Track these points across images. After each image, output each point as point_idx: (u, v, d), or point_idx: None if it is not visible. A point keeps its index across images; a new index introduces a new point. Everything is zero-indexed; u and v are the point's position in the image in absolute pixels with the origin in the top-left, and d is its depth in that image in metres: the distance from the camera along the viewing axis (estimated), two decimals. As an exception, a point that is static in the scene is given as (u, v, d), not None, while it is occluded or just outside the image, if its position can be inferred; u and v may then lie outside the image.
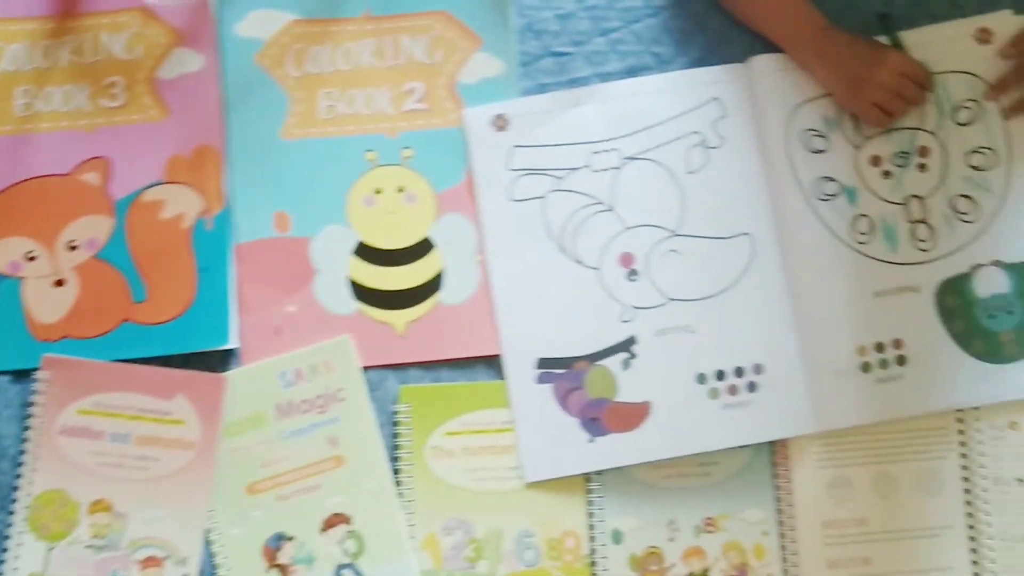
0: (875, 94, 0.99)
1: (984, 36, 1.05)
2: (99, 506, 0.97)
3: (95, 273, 1.01)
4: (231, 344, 0.99)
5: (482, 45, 1.06)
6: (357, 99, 1.05)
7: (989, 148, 1.03)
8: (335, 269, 1.02)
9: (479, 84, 1.05)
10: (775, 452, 1.01)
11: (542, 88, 1.06)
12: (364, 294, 1.02)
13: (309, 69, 1.05)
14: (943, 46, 1.05)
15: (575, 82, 1.06)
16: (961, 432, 1.01)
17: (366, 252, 1.02)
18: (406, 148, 1.04)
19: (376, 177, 1.04)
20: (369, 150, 1.04)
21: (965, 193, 1.03)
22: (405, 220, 1.04)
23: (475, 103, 1.05)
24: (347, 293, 1.02)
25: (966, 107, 1.04)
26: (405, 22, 1.06)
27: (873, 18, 1.05)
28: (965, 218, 1.02)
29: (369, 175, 1.04)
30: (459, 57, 1.05)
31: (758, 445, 1.01)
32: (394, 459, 1.00)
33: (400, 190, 1.03)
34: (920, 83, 1.00)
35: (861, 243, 1.02)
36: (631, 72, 1.06)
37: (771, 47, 1.04)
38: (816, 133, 1.04)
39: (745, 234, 1.03)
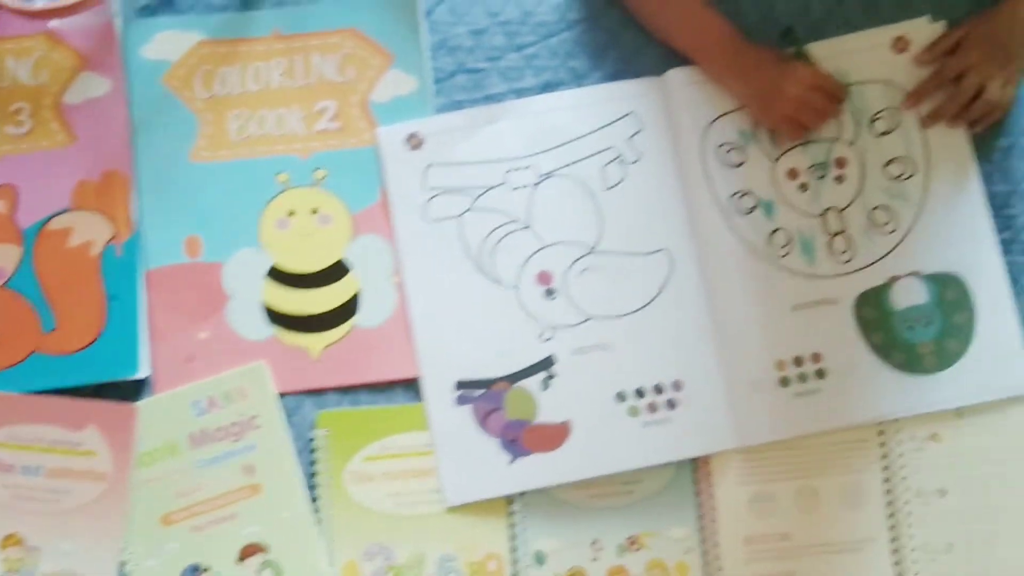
0: (785, 108, 0.98)
1: (901, 45, 1.04)
2: (11, 540, 0.96)
3: (3, 303, 0.99)
4: (142, 373, 0.98)
5: (394, 62, 1.04)
6: (268, 120, 1.03)
7: (907, 157, 1.03)
8: (248, 294, 1.00)
9: (392, 102, 1.04)
10: (697, 469, 1.01)
11: (457, 105, 1.04)
12: (278, 319, 1.00)
13: (218, 90, 1.03)
14: (859, 55, 1.04)
15: (490, 98, 1.04)
16: (882, 445, 1.01)
17: (280, 276, 1.01)
18: (319, 169, 1.03)
19: (289, 199, 1.02)
20: (281, 171, 1.02)
21: (883, 204, 1.02)
22: (319, 242, 1.02)
23: (389, 121, 1.03)
24: (261, 318, 1.00)
25: (883, 117, 1.03)
26: (315, 40, 1.04)
27: (785, 27, 1.04)
28: (883, 229, 1.02)
29: (282, 197, 1.02)
30: (371, 75, 1.04)
31: (680, 462, 1.00)
32: (312, 486, 0.98)
33: (314, 211, 1.02)
34: (831, 95, 1.00)
35: (779, 257, 1.01)
36: (547, 87, 1.04)
37: (687, 60, 1.02)
38: (732, 147, 1.03)
39: (663, 250, 1.02)
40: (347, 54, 1.04)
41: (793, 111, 0.99)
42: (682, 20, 1.01)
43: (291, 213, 1.02)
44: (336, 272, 1.02)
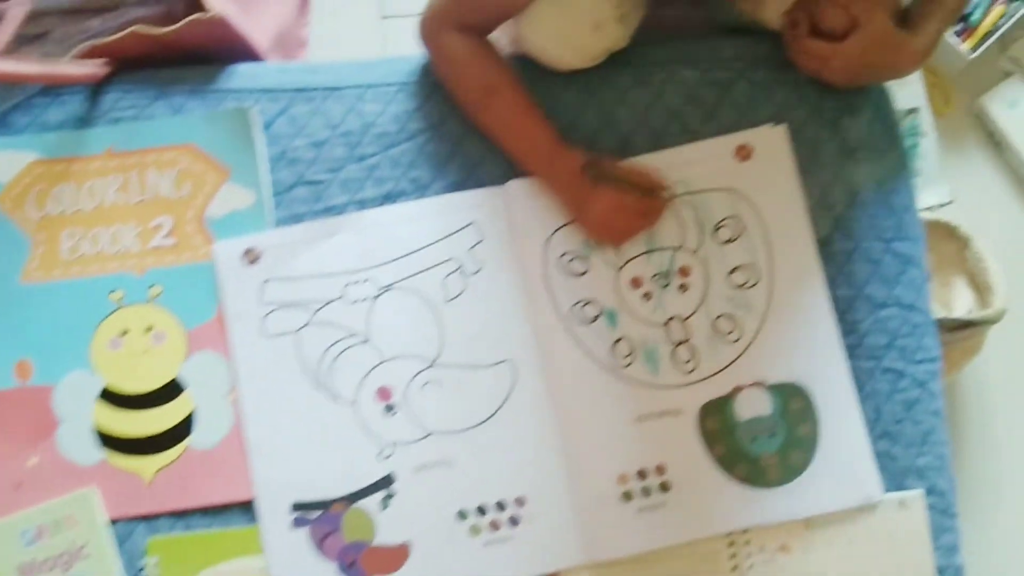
0: (593, 223, 0.98)
1: (743, 153, 1.03)
2: None
3: None
4: (-34, 503, 0.95)
5: (230, 176, 1.03)
6: (102, 237, 1.02)
7: (751, 265, 1.02)
8: (79, 417, 0.98)
9: (229, 216, 1.03)
10: (544, 586, 0.98)
11: (297, 217, 1.03)
12: (110, 442, 0.98)
13: (51, 209, 1.02)
14: (702, 164, 1.04)
15: (331, 210, 1.03)
16: (733, 556, 0.99)
17: (112, 397, 0.99)
18: (153, 285, 1.02)
19: (122, 317, 1.01)
20: (115, 290, 1.01)
21: (727, 312, 1.01)
22: (153, 361, 1.01)
23: (226, 236, 1.02)
24: (92, 442, 0.98)
25: (727, 224, 1.02)
26: (151, 156, 1.04)
27: (626, 135, 1.03)
28: (727, 338, 1.01)
29: (115, 316, 1.01)
30: (208, 190, 1.03)
31: (527, 580, 0.98)
32: (145, 614, 0.96)
33: (148, 330, 1.00)
34: (637, 213, 0.99)
35: (622, 367, 1.00)
36: (388, 198, 1.03)
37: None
38: (575, 256, 1.02)
39: (506, 361, 1.01)
40: (183, 169, 1.03)
41: (599, 228, 0.98)
42: (508, 126, 1.00)
43: (124, 332, 1.00)
44: (170, 392, 1.00)
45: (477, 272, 1.02)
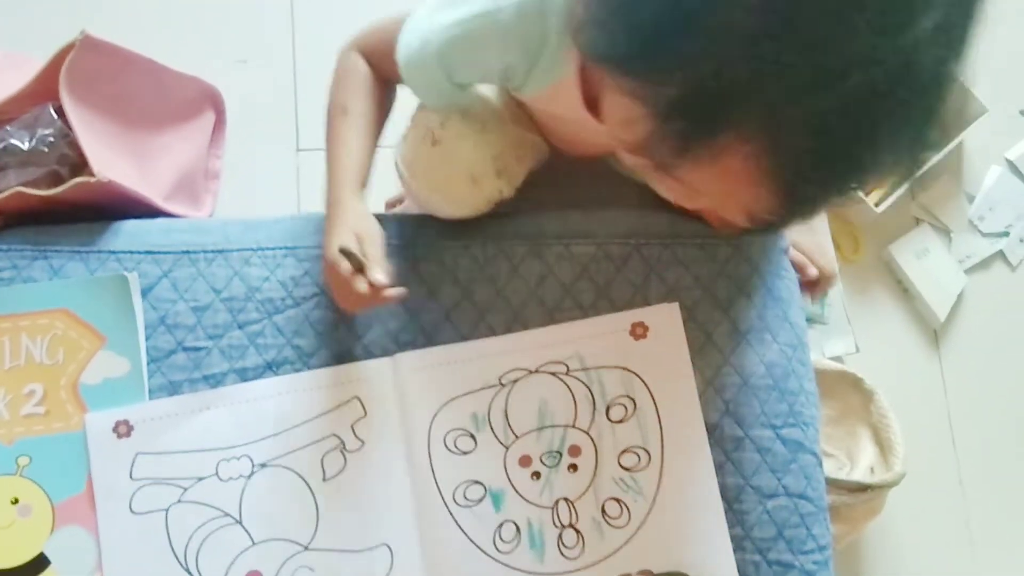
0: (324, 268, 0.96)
1: (640, 331, 1.02)
2: None
3: None
4: None
5: (106, 344, 0.99)
6: None
7: (642, 448, 0.99)
8: (-70, 599, 0.92)
9: (103, 384, 0.99)
10: None
11: (175, 385, 1.00)
12: (-36, 622, 0.91)
13: (-85, 375, 0.96)
14: (597, 340, 1.02)
15: (210, 378, 0.99)
16: None
17: (-30, 574, 0.93)
18: (22, 455, 0.97)
19: None
20: None
21: (616, 496, 0.98)
22: (17, 535, 0.95)
23: (99, 404, 0.98)
24: (-56, 623, 0.91)
25: (621, 404, 1.00)
26: (25, 321, 1.00)
27: (518, 308, 1.01)
28: (614, 523, 0.98)
29: None
30: (82, 357, 0.99)
31: None
32: None
33: (14, 502, 0.96)
34: (341, 289, 0.94)
35: (506, 552, 0.96)
36: (271, 367, 1.00)
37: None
38: (464, 432, 0.99)
39: (383, 545, 0.96)
40: (57, 335, 0.99)
41: (327, 274, 0.96)
42: (335, 149, 0.97)
43: None
44: (34, 568, 0.95)
45: (358, 450, 0.99)
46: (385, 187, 1.16)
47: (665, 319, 1.02)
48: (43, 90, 1.09)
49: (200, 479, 0.97)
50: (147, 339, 1.01)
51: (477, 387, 1.00)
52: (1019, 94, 1.74)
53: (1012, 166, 1.71)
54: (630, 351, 1.02)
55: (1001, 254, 1.69)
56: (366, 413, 0.99)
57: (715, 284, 1.03)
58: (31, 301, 1.01)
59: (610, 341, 1.02)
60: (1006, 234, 1.69)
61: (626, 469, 0.99)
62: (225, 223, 1.07)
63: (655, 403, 1.00)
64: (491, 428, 0.99)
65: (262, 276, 1.03)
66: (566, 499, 0.98)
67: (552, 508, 0.98)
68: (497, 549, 0.97)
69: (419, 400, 0.99)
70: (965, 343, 1.66)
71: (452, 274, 1.03)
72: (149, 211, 1.13)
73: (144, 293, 1.02)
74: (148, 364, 1.00)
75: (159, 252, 1.04)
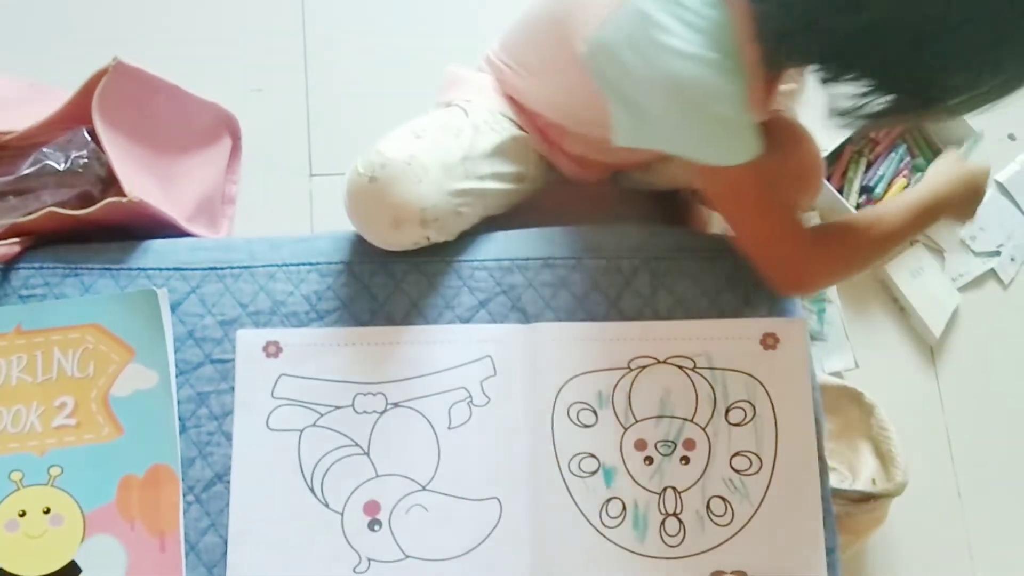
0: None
1: (770, 341, 1.03)
2: None
3: None
4: None
5: (135, 356, 1.00)
6: (3, 417, 0.98)
7: (755, 454, 1.00)
8: (-29, 605, 0.90)
9: (132, 396, 0.99)
10: None
11: (202, 396, 1.00)
12: (5, 625, 0.90)
13: (-44, 389, 0.95)
14: (728, 343, 1.03)
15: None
16: None
17: (7, 580, 0.91)
18: (54, 466, 0.97)
19: (21, 499, 0.96)
20: (15, 470, 0.96)
21: (722, 494, 0.99)
22: (49, 544, 0.95)
23: (129, 416, 0.98)
24: (-14, 627, 0.89)
25: (740, 408, 1.01)
26: (57, 335, 1.00)
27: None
28: (717, 521, 0.98)
29: (13, 497, 0.96)
30: (112, 369, 1.00)
31: None
32: None
33: (46, 511, 0.96)
34: None
35: (609, 527, 0.97)
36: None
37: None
38: (586, 407, 1.00)
39: (494, 498, 0.97)
40: (88, 349, 1.00)
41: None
42: None
43: (22, 514, 0.96)
44: (66, 575, 0.95)
45: (485, 405, 1.00)
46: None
47: (795, 333, 1.04)
48: (75, 114, 1.08)
49: (337, 407, 0.99)
50: (176, 352, 1.01)
51: (606, 366, 1.02)
52: (1008, 119, 1.84)
53: (1002, 187, 1.81)
54: (758, 359, 1.03)
55: (993, 272, 1.77)
56: (495, 372, 1.01)
57: (721, 296, 1.06)
58: (63, 316, 1.01)
59: (740, 346, 1.03)
60: (997, 253, 1.77)
61: (736, 471, 1.00)
62: (250, 241, 1.08)
63: (775, 413, 1.01)
64: (613, 407, 1.00)
65: (287, 291, 1.04)
66: (674, 488, 0.99)
67: (660, 494, 0.99)
68: (602, 522, 0.98)
69: (550, 369, 1.01)
70: (961, 358, 1.72)
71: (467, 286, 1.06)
72: (174, 232, 1.12)
73: (173, 308, 1.03)
74: (176, 376, 1.01)
75: (187, 269, 1.04)
